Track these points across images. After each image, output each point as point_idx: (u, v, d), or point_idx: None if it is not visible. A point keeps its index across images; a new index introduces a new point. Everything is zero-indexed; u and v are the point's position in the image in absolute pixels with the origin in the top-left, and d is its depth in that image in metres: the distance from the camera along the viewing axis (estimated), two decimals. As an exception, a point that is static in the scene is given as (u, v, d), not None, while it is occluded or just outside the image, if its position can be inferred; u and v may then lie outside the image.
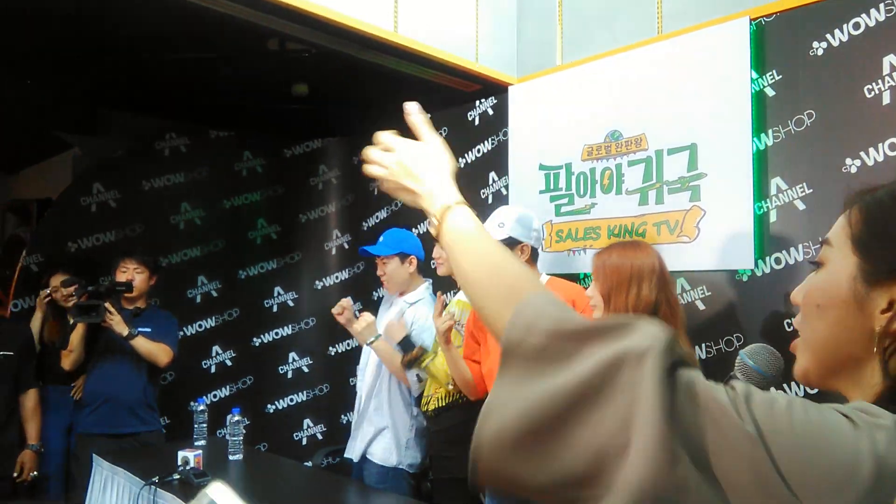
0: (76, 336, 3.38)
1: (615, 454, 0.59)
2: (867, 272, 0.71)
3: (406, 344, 2.71)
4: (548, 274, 2.72)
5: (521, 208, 2.55)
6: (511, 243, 2.43)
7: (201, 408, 3.40)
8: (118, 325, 3.30)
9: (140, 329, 3.40)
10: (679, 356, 0.62)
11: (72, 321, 3.32)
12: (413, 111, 1.05)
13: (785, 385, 2.32)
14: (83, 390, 3.51)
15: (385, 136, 1.05)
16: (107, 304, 3.28)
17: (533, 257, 2.50)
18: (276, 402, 4.59)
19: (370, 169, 1.05)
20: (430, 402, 2.80)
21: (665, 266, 2.05)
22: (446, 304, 2.64)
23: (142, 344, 3.39)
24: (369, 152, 1.05)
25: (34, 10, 2.91)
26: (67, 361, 3.42)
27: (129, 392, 3.44)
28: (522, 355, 0.69)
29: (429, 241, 2.93)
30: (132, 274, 3.51)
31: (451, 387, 2.66)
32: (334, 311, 2.89)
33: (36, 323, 3.67)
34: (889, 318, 0.69)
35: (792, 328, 0.84)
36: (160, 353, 3.46)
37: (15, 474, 3.36)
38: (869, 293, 0.71)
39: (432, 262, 2.92)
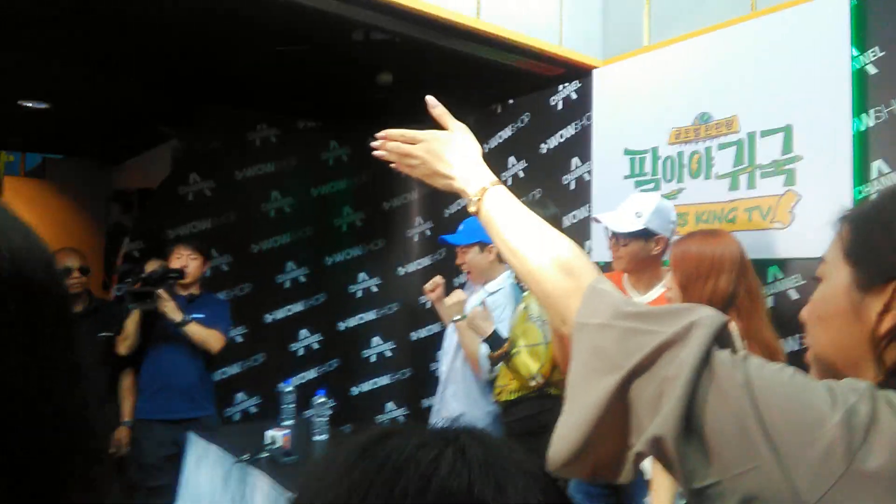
0: (131, 322, 3.45)
1: (648, 418, 0.71)
2: (860, 280, 0.76)
3: (494, 340, 2.70)
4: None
5: (659, 197, 2.43)
6: (646, 235, 2.32)
7: (289, 389, 3.51)
8: (172, 311, 3.39)
9: (194, 315, 3.48)
10: (723, 338, 0.71)
11: (128, 307, 3.42)
12: (434, 104, 1.16)
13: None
14: (140, 376, 3.56)
15: (403, 132, 1.15)
16: (160, 291, 3.37)
17: (664, 249, 2.39)
18: (360, 386, 4.70)
19: (394, 160, 1.15)
20: (501, 393, 2.79)
21: (746, 255, 1.98)
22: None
23: (195, 330, 3.46)
24: (394, 146, 1.14)
25: (134, 15, 3.07)
26: (123, 346, 3.49)
27: (184, 378, 3.52)
28: (589, 338, 0.80)
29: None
30: (186, 261, 3.58)
31: (533, 382, 2.61)
32: (426, 286, 2.91)
33: None
34: (879, 318, 0.73)
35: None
36: (212, 339, 3.53)
37: (113, 450, 3.54)
38: (864, 299, 0.75)
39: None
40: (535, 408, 2.65)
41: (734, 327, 1.83)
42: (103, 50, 3.57)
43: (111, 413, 3.58)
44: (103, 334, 3.51)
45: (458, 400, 2.91)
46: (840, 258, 0.79)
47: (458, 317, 2.83)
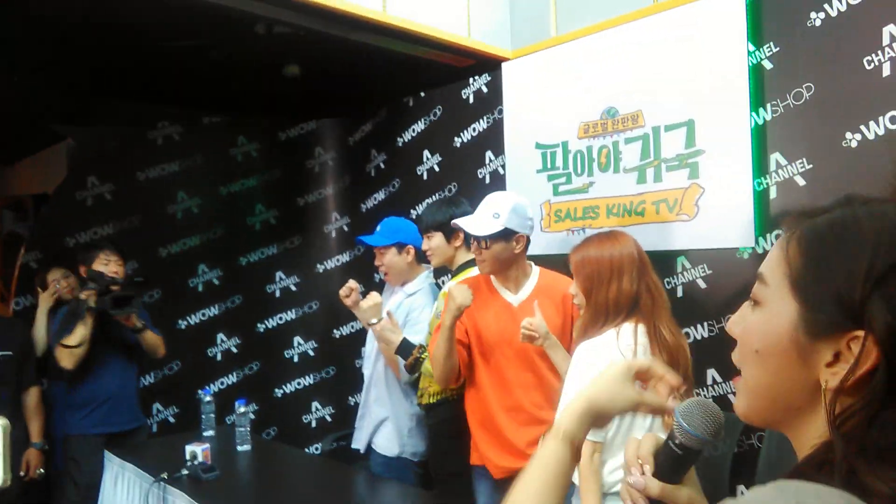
0: (85, 330, 3.19)
1: None
2: (809, 323, 0.66)
3: (404, 349, 2.68)
4: (542, 259, 2.67)
5: (515, 196, 2.46)
6: (507, 234, 2.35)
7: (207, 399, 3.41)
8: (133, 318, 3.29)
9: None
10: None
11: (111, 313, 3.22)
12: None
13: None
14: (76, 391, 3.33)
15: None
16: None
17: (526, 246, 2.45)
18: (284, 387, 4.61)
19: None
20: (423, 396, 2.79)
21: (643, 253, 2.03)
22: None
23: (149, 337, 3.39)
24: None
25: (20, 3, 2.86)
26: (73, 359, 3.19)
27: (128, 388, 3.42)
28: None
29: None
30: (115, 266, 3.40)
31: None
32: (342, 292, 2.87)
33: (42, 319, 3.58)
34: (842, 378, 0.63)
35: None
36: (161, 345, 3.47)
37: (22, 473, 3.35)
38: (812, 345, 0.66)
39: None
40: (454, 411, 2.66)
41: (641, 329, 1.89)
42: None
43: (13, 436, 3.37)
44: (1, 354, 3.30)
45: (381, 404, 2.89)
46: (785, 287, 0.68)
47: (375, 320, 2.80)
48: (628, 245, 1.99)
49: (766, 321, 0.70)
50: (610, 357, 1.86)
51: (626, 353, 1.88)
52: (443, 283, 3.03)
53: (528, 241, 2.43)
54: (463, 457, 2.57)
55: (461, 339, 2.45)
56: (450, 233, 2.76)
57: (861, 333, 0.62)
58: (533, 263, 2.53)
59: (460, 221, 2.40)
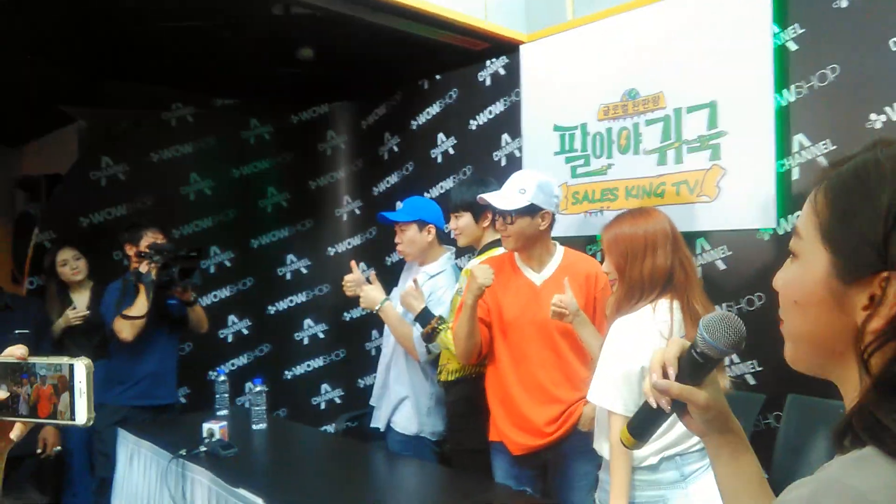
0: (146, 302, 3.22)
1: None
2: (841, 269, 0.67)
3: (424, 316, 2.69)
4: (560, 241, 2.65)
5: (542, 174, 2.46)
6: (533, 210, 2.36)
7: (222, 378, 3.41)
8: (187, 291, 3.35)
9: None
10: None
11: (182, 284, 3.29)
12: None
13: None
14: (119, 365, 3.36)
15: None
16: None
17: (551, 224, 2.46)
18: (294, 369, 4.63)
19: None
20: (442, 372, 2.80)
21: (676, 229, 2.03)
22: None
23: (198, 310, 3.46)
24: None
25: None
26: (134, 330, 3.22)
27: (169, 364, 3.48)
28: None
29: (448, 207, 2.90)
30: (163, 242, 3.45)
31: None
32: (345, 284, 2.91)
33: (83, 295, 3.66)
34: (866, 317, 0.64)
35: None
36: (205, 318, 3.54)
37: (39, 451, 3.39)
38: (847, 291, 0.66)
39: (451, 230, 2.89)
40: (473, 389, 2.67)
41: (676, 306, 1.89)
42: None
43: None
44: (18, 332, 3.30)
45: (400, 383, 2.90)
46: (816, 237, 0.70)
47: (379, 305, 2.83)
48: (661, 221, 1.99)
49: (801, 272, 0.72)
50: (648, 332, 1.87)
51: (664, 328, 1.88)
52: (468, 260, 3.03)
53: (554, 218, 2.43)
54: (481, 434, 2.58)
55: (483, 317, 2.46)
56: (478, 213, 2.76)
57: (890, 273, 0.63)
58: (558, 243, 2.53)
59: (486, 196, 2.41)
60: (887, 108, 2.28)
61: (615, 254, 1.99)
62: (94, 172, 4.09)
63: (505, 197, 2.37)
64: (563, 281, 2.30)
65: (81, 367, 0.84)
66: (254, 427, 3.12)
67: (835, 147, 2.42)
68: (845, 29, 2.38)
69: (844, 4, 2.37)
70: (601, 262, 2.19)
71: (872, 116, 2.31)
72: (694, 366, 0.86)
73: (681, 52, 2.79)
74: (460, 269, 2.92)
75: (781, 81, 2.53)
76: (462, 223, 2.80)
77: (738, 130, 2.63)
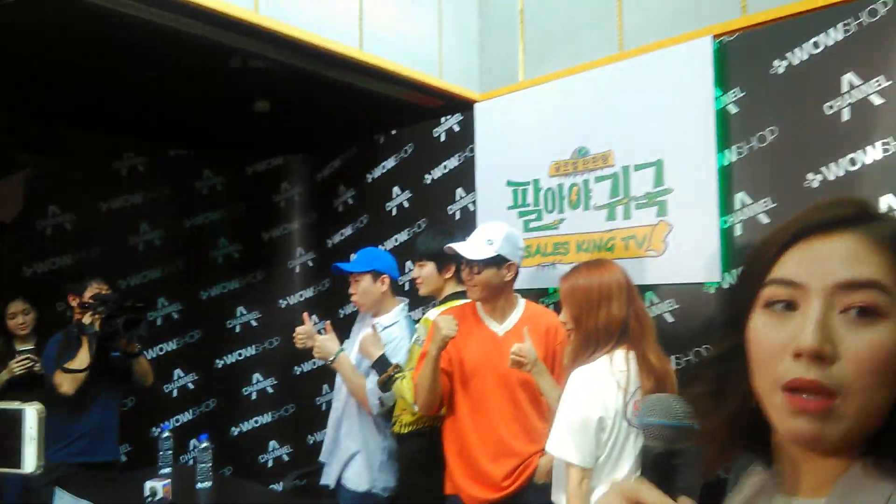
0: (87, 355, 3.15)
1: None
2: None
3: (381, 363, 2.67)
4: (519, 292, 2.69)
5: (508, 226, 2.52)
6: (499, 261, 2.40)
7: (166, 434, 3.29)
8: (132, 343, 3.26)
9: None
10: None
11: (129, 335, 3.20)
12: None
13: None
14: (60, 420, 3.18)
15: None
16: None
17: (515, 275, 2.49)
18: (241, 425, 4.50)
19: None
20: (395, 424, 2.77)
21: (631, 280, 2.08)
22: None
23: (143, 362, 3.37)
24: None
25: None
26: (75, 384, 3.13)
27: (112, 419, 3.38)
28: None
29: (402, 259, 2.92)
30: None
31: (416, 408, 2.60)
32: (296, 337, 2.90)
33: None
34: None
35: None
36: (150, 370, 3.45)
37: None
38: None
39: (404, 282, 2.89)
40: (427, 442, 2.64)
41: (631, 356, 1.92)
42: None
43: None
44: None
45: (352, 438, 2.85)
46: None
47: (332, 357, 2.82)
48: (616, 272, 2.04)
49: (893, 337, 0.60)
50: (605, 383, 1.89)
51: (621, 379, 1.91)
52: (423, 312, 3.03)
53: (518, 270, 2.47)
54: (434, 489, 2.54)
55: (445, 367, 2.46)
56: (442, 263, 2.78)
57: None
58: (520, 296, 2.56)
59: (455, 245, 2.44)
60: (823, 169, 2.40)
61: (572, 304, 2.03)
62: (41, 221, 3.99)
63: (473, 247, 2.41)
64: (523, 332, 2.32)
65: (33, 413, 0.81)
66: (199, 486, 3.00)
67: (775, 205, 2.52)
68: (783, 93, 2.51)
69: (781, 70, 2.51)
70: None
71: (810, 176, 2.43)
72: (653, 467, 0.74)
73: (629, 112, 2.90)
74: (415, 320, 2.92)
75: (723, 142, 2.65)
76: (425, 273, 2.81)
77: (684, 188, 2.73)
